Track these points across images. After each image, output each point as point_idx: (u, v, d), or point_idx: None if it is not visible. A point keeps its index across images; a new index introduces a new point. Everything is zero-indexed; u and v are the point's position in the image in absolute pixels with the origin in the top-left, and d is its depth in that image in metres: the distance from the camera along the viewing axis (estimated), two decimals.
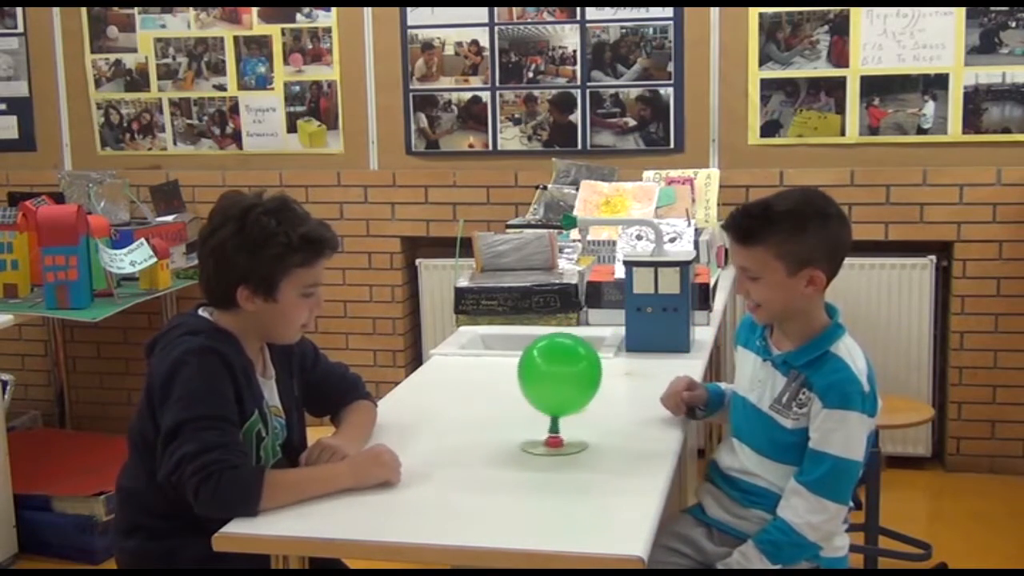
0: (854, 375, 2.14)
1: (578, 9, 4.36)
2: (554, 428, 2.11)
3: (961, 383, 4.26)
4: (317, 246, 2.12)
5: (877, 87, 4.17)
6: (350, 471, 1.96)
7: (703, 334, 2.91)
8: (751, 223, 2.16)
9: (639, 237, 3.29)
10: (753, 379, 2.27)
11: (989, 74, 4.09)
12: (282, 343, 2.21)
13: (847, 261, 4.53)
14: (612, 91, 4.39)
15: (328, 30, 4.60)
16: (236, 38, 4.69)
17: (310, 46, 4.63)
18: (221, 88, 4.75)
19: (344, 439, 2.14)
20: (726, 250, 3.82)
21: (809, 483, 2.11)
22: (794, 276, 2.14)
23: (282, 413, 2.22)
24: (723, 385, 2.46)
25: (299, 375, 2.31)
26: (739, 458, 2.28)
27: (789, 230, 2.13)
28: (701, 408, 2.37)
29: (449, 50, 4.50)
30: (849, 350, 2.18)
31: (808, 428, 2.14)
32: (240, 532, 1.80)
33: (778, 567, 2.13)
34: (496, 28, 4.44)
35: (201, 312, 2.17)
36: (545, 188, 4.00)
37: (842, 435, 2.10)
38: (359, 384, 2.39)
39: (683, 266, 2.76)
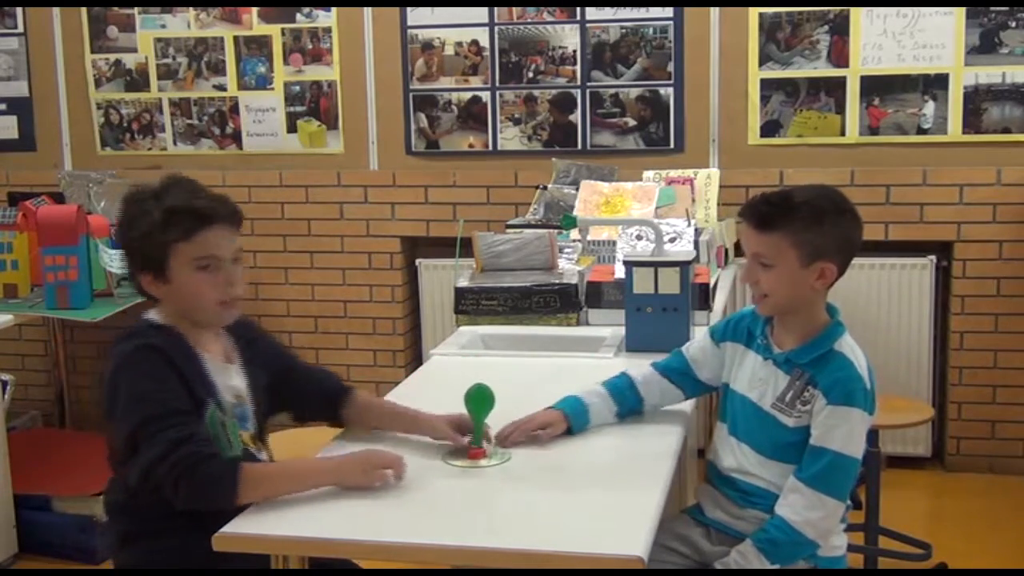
0: (858, 373, 2.16)
1: (578, 9, 4.35)
2: (476, 441, 2.11)
3: (961, 383, 4.26)
4: (188, 217, 2.05)
5: (877, 87, 4.17)
6: (334, 472, 1.96)
7: (703, 334, 2.90)
8: (771, 210, 2.18)
9: (639, 237, 3.29)
10: (753, 378, 2.26)
11: (989, 74, 4.09)
12: (211, 325, 2.15)
13: None
14: (612, 91, 4.38)
15: (328, 30, 4.60)
16: (236, 38, 4.69)
17: (310, 46, 4.63)
18: (221, 88, 4.75)
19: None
20: (726, 250, 3.83)
21: (807, 479, 2.12)
22: (807, 267, 2.16)
23: (248, 401, 2.19)
24: (584, 393, 2.35)
25: (266, 369, 2.26)
26: (737, 458, 2.28)
27: (807, 220, 2.15)
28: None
29: (449, 50, 4.50)
30: (852, 348, 2.19)
31: (809, 426, 2.15)
32: (240, 532, 1.80)
33: (776, 567, 2.14)
34: (496, 28, 4.44)
35: (145, 315, 2.15)
36: (545, 188, 4.00)
37: (844, 431, 2.12)
38: (339, 379, 2.37)
39: (683, 266, 2.76)
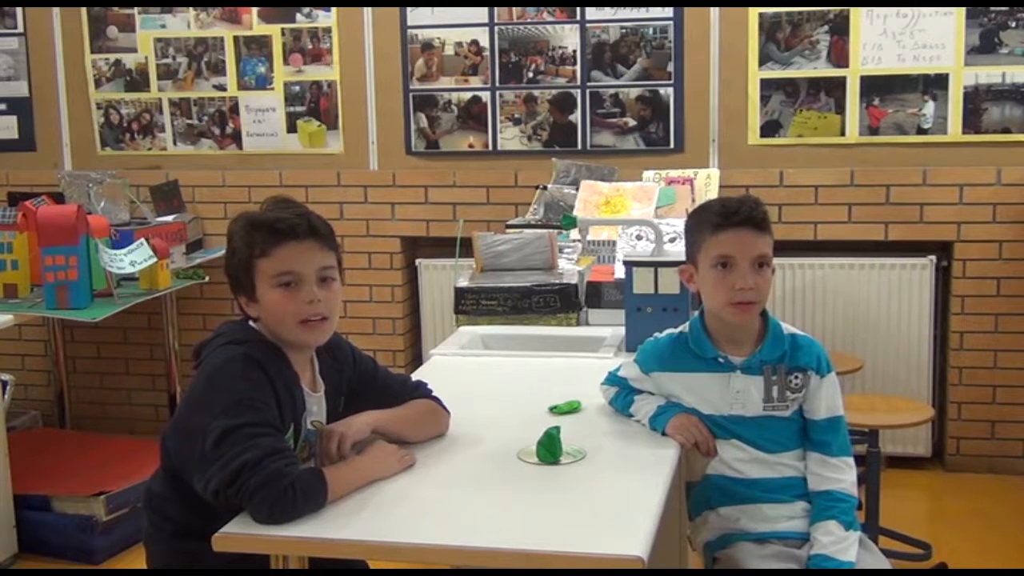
0: (819, 342, 2.31)
1: (578, 9, 4.35)
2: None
3: (961, 383, 4.26)
4: (265, 233, 2.02)
5: (877, 87, 4.17)
6: (379, 468, 1.99)
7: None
8: (763, 209, 2.22)
9: (639, 237, 3.29)
10: (726, 396, 2.25)
11: (989, 74, 4.09)
12: (298, 345, 2.10)
13: (847, 261, 4.51)
14: (612, 91, 4.38)
15: (328, 30, 4.60)
16: (236, 38, 4.69)
17: (310, 46, 4.63)
18: (221, 88, 4.75)
19: (354, 420, 2.10)
20: None
21: (840, 451, 2.24)
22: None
23: (323, 428, 2.15)
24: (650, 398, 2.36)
25: (347, 392, 2.23)
26: (748, 469, 2.26)
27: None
28: None
29: (449, 50, 4.50)
30: (792, 327, 2.31)
31: (801, 407, 2.25)
32: (240, 532, 1.80)
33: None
34: (496, 28, 4.44)
35: (253, 323, 2.11)
36: (545, 188, 4.00)
37: (838, 393, 2.28)
38: (420, 386, 2.32)
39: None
